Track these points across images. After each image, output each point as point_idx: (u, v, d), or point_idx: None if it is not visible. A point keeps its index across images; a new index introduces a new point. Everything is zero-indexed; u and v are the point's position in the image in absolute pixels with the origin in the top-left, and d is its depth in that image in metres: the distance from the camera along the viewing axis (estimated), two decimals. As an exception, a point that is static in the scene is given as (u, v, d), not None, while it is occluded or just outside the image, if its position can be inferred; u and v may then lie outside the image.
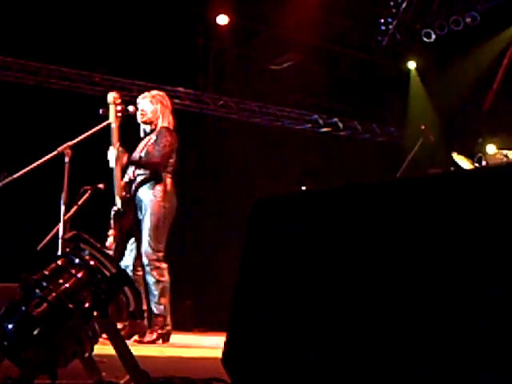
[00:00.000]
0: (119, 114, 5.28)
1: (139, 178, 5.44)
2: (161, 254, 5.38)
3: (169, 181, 5.46)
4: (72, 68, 8.79)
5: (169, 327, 5.38)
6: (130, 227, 5.40)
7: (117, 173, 5.30)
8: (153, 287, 5.31)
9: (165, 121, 5.59)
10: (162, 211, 5.37)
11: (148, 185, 5.41)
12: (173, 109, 5.81)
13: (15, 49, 8.30)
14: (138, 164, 5.46)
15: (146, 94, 5.77)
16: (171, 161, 5.50)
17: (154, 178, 5.41)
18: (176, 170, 5.60)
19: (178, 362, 4.13)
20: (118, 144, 5.27)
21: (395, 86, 10.48)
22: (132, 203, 5.40)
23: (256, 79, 9.86)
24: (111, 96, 5.29)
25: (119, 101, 5.28)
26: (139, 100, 5.69)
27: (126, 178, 5.46)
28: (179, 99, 9.33)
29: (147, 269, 5.32)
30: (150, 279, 5.32)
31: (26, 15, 8.06)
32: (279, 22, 9.25)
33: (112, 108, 5.25)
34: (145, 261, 5.33)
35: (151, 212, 5.34)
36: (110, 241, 6.75)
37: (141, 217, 5.41)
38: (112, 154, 5.29)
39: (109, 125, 5.23)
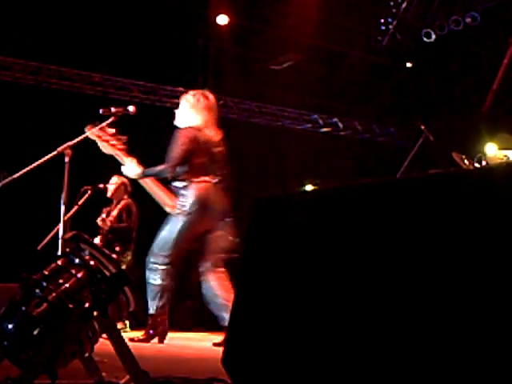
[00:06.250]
0: (112, 142, 5.09)
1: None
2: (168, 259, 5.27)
3: (194, 186, 5.07)
4: (72, 68, 8.80)
5: (161, 328, 5.28)
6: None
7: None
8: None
9: (192, 121, 5.27)
10: (183, 220, 5.11)
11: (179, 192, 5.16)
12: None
13: (15, 49, 8.31)
14: (150, 175, 5.21)
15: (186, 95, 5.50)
16: (191, 162, 5.09)
17: (182, 187, 5.13)
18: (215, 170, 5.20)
19: (178, 362, 4.13)
20: (128, 159, 5.14)
21: (394, 86, 10.48)
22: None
23: (256, 79, 9.85)
24: (90, 132, 4.88)
25: (99, 132, 4.98)
26: None
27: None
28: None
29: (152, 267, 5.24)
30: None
31: (25, 15, 8.07)
32: (279, 22, 9.25)
33: (99, 142, 5.06)
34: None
35: (173, 219, 5.15)
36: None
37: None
38: (129, 167, 5.15)
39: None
